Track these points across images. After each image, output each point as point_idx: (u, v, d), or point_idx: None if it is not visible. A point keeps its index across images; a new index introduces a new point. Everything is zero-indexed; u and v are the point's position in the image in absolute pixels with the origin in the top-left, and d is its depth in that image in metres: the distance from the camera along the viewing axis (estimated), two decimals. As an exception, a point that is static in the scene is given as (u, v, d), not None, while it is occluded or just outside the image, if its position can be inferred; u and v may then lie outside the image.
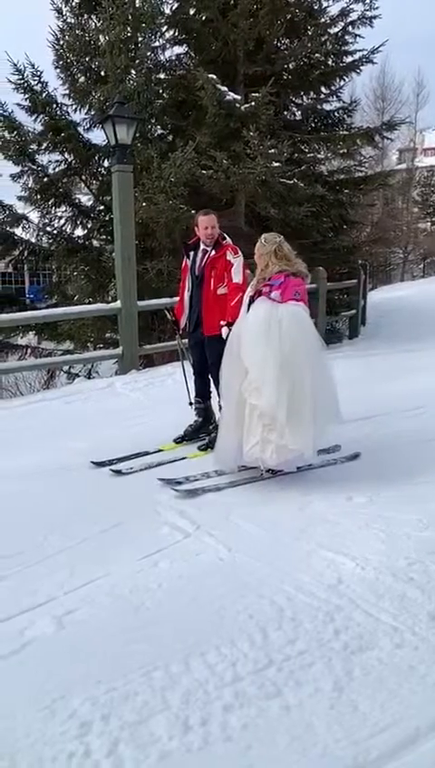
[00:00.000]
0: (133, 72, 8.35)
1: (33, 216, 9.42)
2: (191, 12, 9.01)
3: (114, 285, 7.70)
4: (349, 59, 9.47)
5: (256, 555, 2.75)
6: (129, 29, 8.29)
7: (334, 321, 10.31)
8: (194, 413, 4.58)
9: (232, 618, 2.27)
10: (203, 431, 4.53)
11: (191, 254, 4.36)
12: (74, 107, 8.95)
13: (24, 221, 9.29)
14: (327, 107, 9.97)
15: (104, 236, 9.33)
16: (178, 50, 9.42)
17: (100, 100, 8.50)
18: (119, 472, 3.90)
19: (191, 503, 3.39)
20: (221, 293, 4.21)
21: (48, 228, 9.28)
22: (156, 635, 2.19)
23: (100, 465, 4.01)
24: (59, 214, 9.33)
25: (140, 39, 8.51)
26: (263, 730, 1.74)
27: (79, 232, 9.53)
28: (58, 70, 8.89)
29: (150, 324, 8.29)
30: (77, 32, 8.73)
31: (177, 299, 4.67)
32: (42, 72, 8.70)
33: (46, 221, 9.31)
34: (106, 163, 8.95)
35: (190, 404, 4.62)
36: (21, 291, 17.41)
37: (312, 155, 9.33)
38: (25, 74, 8.61)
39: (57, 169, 9.13)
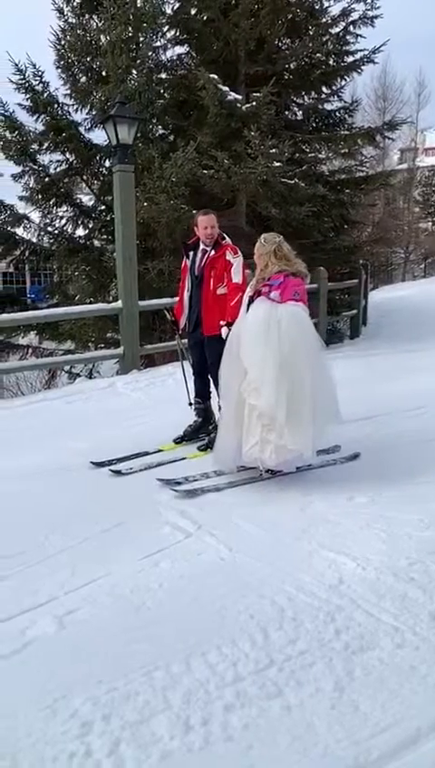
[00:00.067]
0: (134, 71, 8.36)
1: (35, 216, 9.45)
2: (192, 12, 9.02)
3: (115, 285, 7.71)
4: (350, 59, 9.49)
5: (258, 555, 2.75)
6: (130, 29, 8.31)
7: (335, 321, 10.31)
8: (193, 413, 4.58)
9: (233, 618, 2.27)
10: (202, 431, 4.52)
11: (191, 254, 4.35)
12: (76, 107, 8.98)
13: (26, 221, 9.30)
14: (328, 107, 10.00)
15: (105, 236, 9.35)
16: (180, 50, 9.47)
17: (101, 100, 8.52)
18: (118, 472, 3.90)
19: (192, 503, 3.39)
20: (221, 293, 4.20)
21: (49, 228, 9.29)
22: (157, 635, 2.19)
23: (99, 465, 4.00)
24: (60, 214, 9.34)
25: (141, 39, 8.52)
26: (264, 730, 1.74)
27: (80, 232, 9.54)
28: (59, 70, 8.92)
29: (151, 324, 8.29)
30: (78, 32, 8.75)
31: (177, 299, 4.68)
32: (43, 72, 8.74)
33: (47, 221, 9.33)
34: (107, 163, 8.94)
35: (190, 404, 4.62)
36: (22, 291, 17.45)
37: (313, 155, 9.35)
38: (27, 74, 8.63)
39: (58, 169, 9.14)
